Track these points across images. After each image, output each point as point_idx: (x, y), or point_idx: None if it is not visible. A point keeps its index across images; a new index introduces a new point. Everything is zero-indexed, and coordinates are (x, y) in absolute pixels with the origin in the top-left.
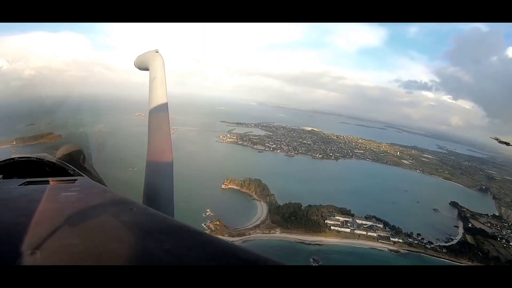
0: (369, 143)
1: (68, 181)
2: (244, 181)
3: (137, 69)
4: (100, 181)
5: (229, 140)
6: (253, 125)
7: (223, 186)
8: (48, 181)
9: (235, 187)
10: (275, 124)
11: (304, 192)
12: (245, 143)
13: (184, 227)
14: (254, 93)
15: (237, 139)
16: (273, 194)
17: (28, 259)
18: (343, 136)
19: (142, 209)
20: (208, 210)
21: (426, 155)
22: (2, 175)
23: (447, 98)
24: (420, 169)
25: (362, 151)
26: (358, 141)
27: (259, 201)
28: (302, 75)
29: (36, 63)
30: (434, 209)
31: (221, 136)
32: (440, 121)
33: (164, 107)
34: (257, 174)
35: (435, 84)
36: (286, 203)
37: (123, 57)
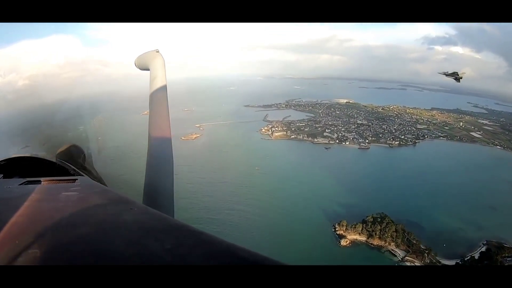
0: (420, 112)
1: (68, 181)
2: (368, 226)
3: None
4: (100, 180)
5: (276, 134)
6: (283, 106)
7: (342, 242)
8: (48, 180)
9: (359, 237)
10: (304, 101)
11: (445, 223)
12: (299, 136)
13: (185, 226)
14: (257, 67)
15: (284, 130)
16: (429, 249)
17: (28, 259)
18: (388, 107)
19: (143, 208)
20: None
21: (482, 121)
22: (2, 175)
23: (458, 50)
24: (496, 143)
25: (425, 126)
26: (408, 111)
27: (413, 263)
28: (307, 42)
29: (30, 72)
30: None
31: (263, 130)
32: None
33: (164, 107)
34: (362, 198)
35: (459, 39)
36: (457, 263)
37: (118, 50)
